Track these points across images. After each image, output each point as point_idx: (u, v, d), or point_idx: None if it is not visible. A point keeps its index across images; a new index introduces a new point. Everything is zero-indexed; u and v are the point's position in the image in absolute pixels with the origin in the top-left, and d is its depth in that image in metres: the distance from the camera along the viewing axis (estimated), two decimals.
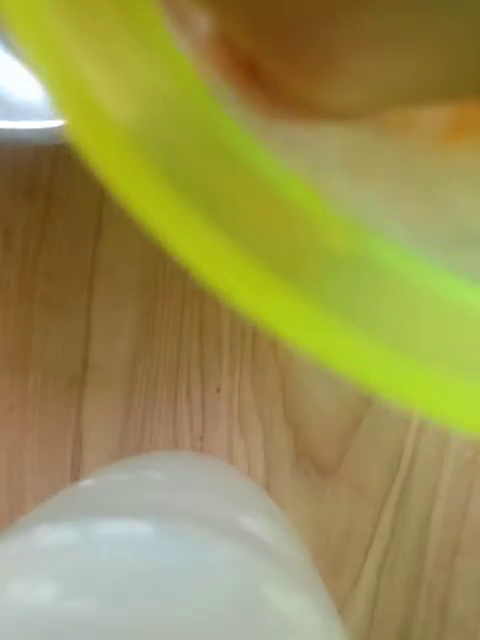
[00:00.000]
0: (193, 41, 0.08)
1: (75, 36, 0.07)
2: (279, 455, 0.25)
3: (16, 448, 0.26)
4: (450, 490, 0.25)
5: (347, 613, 0.25)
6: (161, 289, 0.26)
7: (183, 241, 0.07)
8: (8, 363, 0.26)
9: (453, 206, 0.09)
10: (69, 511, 0.16)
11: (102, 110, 0.07)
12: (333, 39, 0.06)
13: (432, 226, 0.09)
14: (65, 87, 0.07)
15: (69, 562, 0.12)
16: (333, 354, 0.07)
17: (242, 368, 0.26)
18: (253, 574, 0.12)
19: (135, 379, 0.26)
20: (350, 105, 0.08)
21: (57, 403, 0.26)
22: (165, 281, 0.26)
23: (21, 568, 0.12)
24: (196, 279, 0.07)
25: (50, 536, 0.13)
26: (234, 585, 0.12)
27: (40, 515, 0.16)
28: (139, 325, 0.26)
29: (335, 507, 0.25)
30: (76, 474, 0.25)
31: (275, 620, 0.12)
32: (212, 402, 0.26)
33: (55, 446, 0.26)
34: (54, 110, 0.07)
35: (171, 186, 0.07)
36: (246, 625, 0.11)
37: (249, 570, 0.13)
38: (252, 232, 0.07)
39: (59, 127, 0.19)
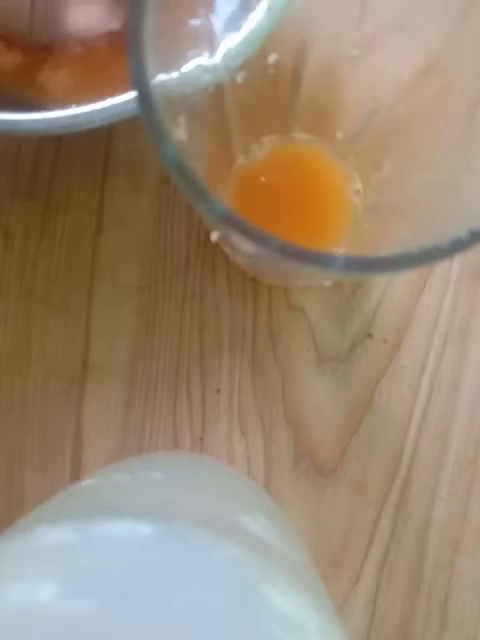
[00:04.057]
0: None
1: None
2: (279, 455, 0.25)
3: (16, 448, 0.26)
4: (450, 490, 0.25)
5: (347, 613, 0.25)
6: (161, 289, 0.26)
7: None
8: (8, 363, 0.26)
9: None
10: (69, 511, 0.16)
11: None
12: None
13: None
14: None
15: (69, 562, 0.12)
16: None
17: (242, 368, 0.26)
18: (253, 574, 0.12)
19: (135, 379, 0.26)
20: None
21: (57, 403, 0.26)
22: (165, 281, 0.26)
23: (21, 568, 0.12)
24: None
25: (50, 536, 0.13)
26: (234, 585, 0.12)
27: (40, 515, 0.16)
28: (139, 325, 0.26)
29: (335, 507, 0.25)
30: (76, 474, 0.25)
31: (275, 620, 0.12)
32: (212, 402, 0.26)
33: (55, 446, 0.26)
34: None
35: None
36: (246, 625, 0.11)
37: (249, 570, 0.13)
38: None
39: (61, 116, 0.19)
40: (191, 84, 0.16)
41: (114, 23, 0.22)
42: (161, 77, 0.13)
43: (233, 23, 0.18)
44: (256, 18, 0.18)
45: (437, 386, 0.26)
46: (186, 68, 0.16)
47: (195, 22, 0.16)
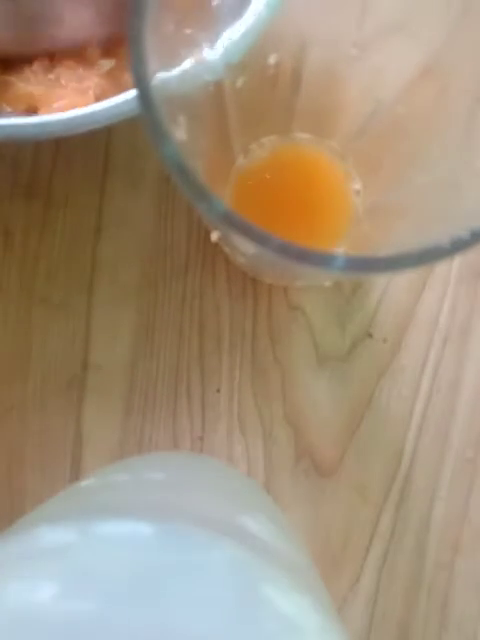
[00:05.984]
0: None
1: None
2: (279, 455, 0.25)
3: (16, 448, 0.26)
4: (450, 490, 0.25)
5: (347, 613, 0.25)
6: (161, 289, 0.26)
7: None
8: (8, 363, 0.26)
9: None
10: (69, 511, 0.16)
11: None
12: None
13: None
14: None
15: (69, 562, 0.12)
16: None
17: (242, 368, 0.26)
18: (253, 574, 0.12)
19: (135, 379, 0.26)
20: None
21: (57, 403, 0.26)
22: (165, 281, 0.26)
23: (21, 568, 0.12)
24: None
25: (50, 536, 0.13)
26: (234, 585, 0.12)
27: (40, 515, 0.16)
28: (139, 325, 0.26)
29: (335, 507, 0.25)
30: (76, 474, 0.25)
31: (275, 620, 0.12)
32: (212, 402, 0.26)
33: (55, 446, 0.26)
34: None
35: None
36: (246, 625, 0.11)
37: (249, 570, 0.13)
38: None
39: (58, 120, 0.19)
40: (191, 83, 0.16)
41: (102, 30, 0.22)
42: (161, 76, 0.13)
43: (232, 18, 0.18)
44: (254, 12, 0.18)
45: (437, 386, 0.26)
46: (186, 66, 0.16)
47: (194, 19, 0.16)
